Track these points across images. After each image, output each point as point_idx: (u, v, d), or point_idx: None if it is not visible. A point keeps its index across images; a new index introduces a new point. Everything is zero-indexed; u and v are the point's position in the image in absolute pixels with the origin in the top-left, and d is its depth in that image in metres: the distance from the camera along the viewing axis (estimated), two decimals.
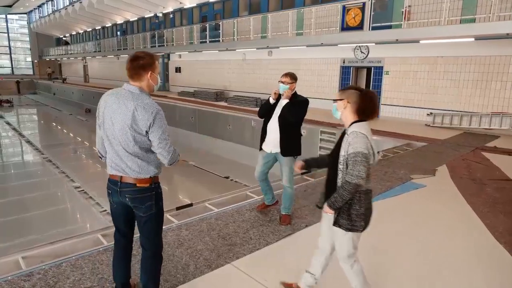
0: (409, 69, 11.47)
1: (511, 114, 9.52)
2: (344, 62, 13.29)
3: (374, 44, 12.00)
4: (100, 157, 2.47)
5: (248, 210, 4.09)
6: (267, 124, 3.75)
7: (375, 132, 9.69)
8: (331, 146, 9.07)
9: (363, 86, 13.72)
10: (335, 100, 2.27)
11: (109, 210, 2.98)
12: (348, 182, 2.06)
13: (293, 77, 3.60)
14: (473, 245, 3.50)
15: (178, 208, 4.11)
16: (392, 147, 7.97)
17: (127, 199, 2.27)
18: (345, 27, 11.56)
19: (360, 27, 11.15)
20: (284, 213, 3.82)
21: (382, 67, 12.17)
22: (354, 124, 2.17)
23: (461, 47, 10.11)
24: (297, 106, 3.64)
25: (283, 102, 3.67)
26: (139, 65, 2.22)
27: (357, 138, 2.09)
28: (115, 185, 2.28)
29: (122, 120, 2.16)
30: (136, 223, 2.40)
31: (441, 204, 4.55)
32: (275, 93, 3.65)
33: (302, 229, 3.68)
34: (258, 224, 3.73)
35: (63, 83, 34.37)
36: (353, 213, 2.14)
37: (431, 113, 10.97)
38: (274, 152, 3.73)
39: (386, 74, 12.07)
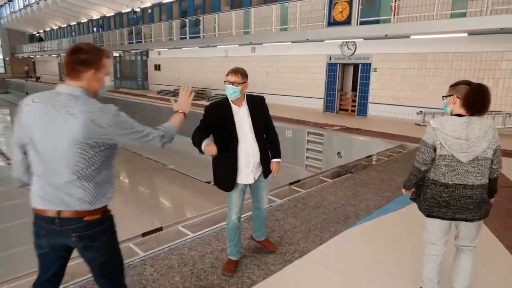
0: (398, 66, 11.02)
1: (504, 112, 9.17)
2: (330, 59, 12.75)
3: (361, 40, 11.49)
4: (23, 186, 1.83)
5: None
6: (234, 150, 2.66)
7: (364, 132, 9.22)
8: (319, 147, 8.49)
9: (349, 84, 13.25)
10: (445, 97, 2.30)
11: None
12: (412, 165, 2.32)
13: (244, 75, 2.68)
14: (500, 278, 2.95)
15: (144, 234, 3.42)
16: (385, 150, 7.45)
17: (72, 239, 1.68)
18: (331, 22, 10.99)
19: (347, 22, 10.61)
20: (264, 238, 3.17)
21: (370, 64, 11.68)
22: (440, 117, 2.23)
23: (451, 43, 9.69)
24: (263, 109, 2.82)
25: (241, 111, 2.71)
26: (79, 59, 1.67)
27: (426, 129, 2.27)
28: (51, 224, 1.66)
29: (66, 134, 1.59)
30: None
31: None
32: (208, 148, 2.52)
33: (296, 259, 3.05)
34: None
35: (37, 81, 32.78)
36: (421, 196, 2.35)
37: (420, 111, 10.55)
38: (256, 178, 2.78)
39: (374, 71, 11.59)
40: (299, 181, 5.28)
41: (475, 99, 2.13)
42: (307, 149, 9.89)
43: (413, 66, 10.67)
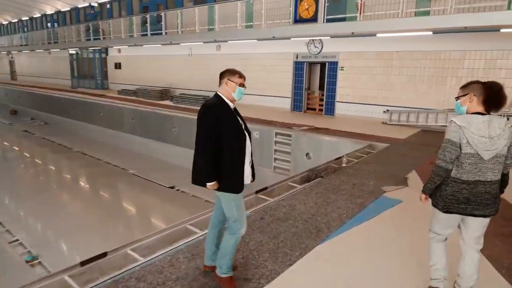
0: (364, 64, 10.94)
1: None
2: (297, 57, 12.50)
3: (328, 38, 11.32)
4: None
5: (187, 258, 2.97)
6: (244, 146, 2.54)
7: (332, 132, 9.01)
8: (287, 149, 8.19)
9: (317, 82, 13.09)
10: (458, 98, 2.34)
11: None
12: (435, 163, 2.31)
13: None
14: None
15: (83, 263, 2.87)
16: (354, 151, 7.24)
17: None
18: (298, 19, 10.71)
19: (314, 19, 10.36)
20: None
21: (337, 62, 11.53)
22: (463, 115, 2.25)
23: (417, 42, 9.70)
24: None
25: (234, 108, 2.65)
26: None
27: (449, 127, 2.25)
28: None
29: None
30: None
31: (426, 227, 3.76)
32: None
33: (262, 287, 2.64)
34: (198, 284, 2.63)
35: None
36: (438, 193, 2.35)
37: (387, 110, 10.52)
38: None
39: (341, 69, 11.45)
40: (266, 188, 4.89)
41: (494, 94, 2.20)
42: (275, 151, 9.56)
43: (380, 65, 10.62)
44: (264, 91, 13.58)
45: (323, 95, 12.24)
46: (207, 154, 2.41)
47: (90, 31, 19.81)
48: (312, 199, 4.46)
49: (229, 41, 13.42)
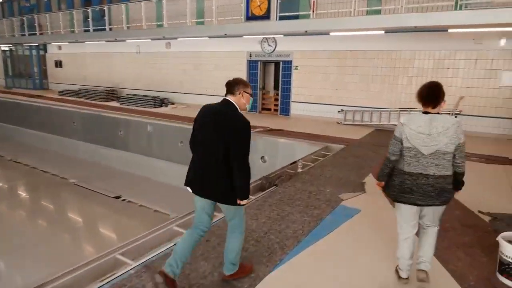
0: (318, 63, 10.77)
1: (418, 110, 9.38)
2: (251, 56, 12.09)
3: (282, 36, 11.03)
4: None
5: None
6: None
7: (288, 134, 8.70)
8: None
9: (271, 82, 12.79)
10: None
11: None
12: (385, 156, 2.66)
13: None
14: None
15: None
16: (310, 154, 6.95)
17: None
18: (250, 16, 10.28)
19: (266, 16, 9.98)
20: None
21: (291, 61, 11.27)
22: (409, 114, 2.59)
23: (369, 41, 9.68)
24: None
25: None
26: None
27: (397, 124, 2.59)
28: None
29: None
30: None
31: (386, 241, 3.47)
32: None
33: None
34: None
35: None
36: (390, 183, 2.64)
37: (342, 110, 10.43)
38: None
39: (296, 69, 11.21)
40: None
41: (424, 93, 2.48)
42: None
43: (334, 64, 10.50)
44: (218, 91, 13.01)
45: (278, 94, 11.95)
46: (249, 171, 2.47)
47: (25, 26, 18.00)
48: (265, 212, 4.03)
49: (178, 38, 12.69)
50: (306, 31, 9.48)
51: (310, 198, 4.53)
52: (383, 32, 8.90)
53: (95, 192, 9.44)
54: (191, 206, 2.81)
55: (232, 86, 2.56)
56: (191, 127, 2.65)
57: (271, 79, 12.84)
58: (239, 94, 2.55)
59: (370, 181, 5.26)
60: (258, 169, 8.30)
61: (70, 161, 12.23)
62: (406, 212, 2.59)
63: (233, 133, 2.41)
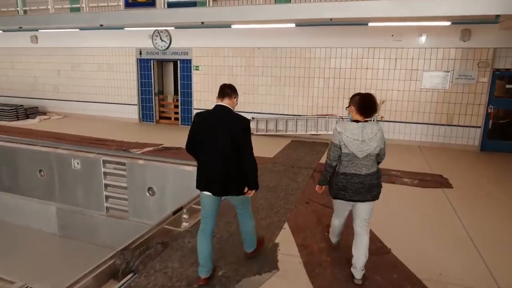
0: (223, 63, 8.96)
1: (337, 116, 8.17)
2: (141, 54, 9.77)
3: (175, 29, 8.96)
4: None
5: None
6: None
7: (184, 154, 6.73)
8: (123, 182, 5.54)
9: (171, 85, 10.66)
10: (347, 107, 2.86)
11: None
12: (325, 163, 2.91)
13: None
14: None
15: None
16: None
17: None
18: (130, 3, 7.98)
19: (151, 3, 7.80)
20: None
21: (190, 60, 9.27)
22: (343, 122, 3.01)
23: (279, 37, 8.16)
24: None
25: None
26: None
27: (333, 132, 2.81)
28: None
29: None
30: None
31: None
32: None
33: None
34: None
35: None
36: (329, 184, 2.95)
37: (253, 118, 8.76)
38: None
39: (196, 69, 9.24)
40: None
41: (366, 104, 2.72)
42: (106, 186, 6.74)
43: (240, 64, 8.78)
44: (102, 98, 10.45)
45: (178, 100, 9.86)
46: (257, 164, 2.85)
47: None
48: None
49: (40, 30, 9.77)
50: (202, 23, 7.52)
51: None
52: (293, 25, 7.41)
53: None
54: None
55: (226, 91, 2.82)
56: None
57: (170, 81, 10.69)
58: (235, 100, 2.87)
59: (286, 238, 3.57)
60: (146, 204, 6.26)
61: None
62: (340, 207, 3.01)
63: (242, 131, 2.71)
